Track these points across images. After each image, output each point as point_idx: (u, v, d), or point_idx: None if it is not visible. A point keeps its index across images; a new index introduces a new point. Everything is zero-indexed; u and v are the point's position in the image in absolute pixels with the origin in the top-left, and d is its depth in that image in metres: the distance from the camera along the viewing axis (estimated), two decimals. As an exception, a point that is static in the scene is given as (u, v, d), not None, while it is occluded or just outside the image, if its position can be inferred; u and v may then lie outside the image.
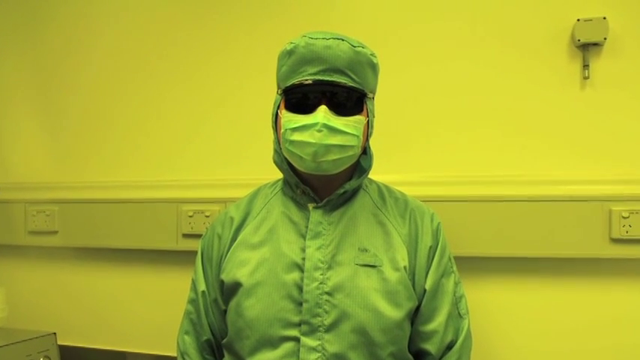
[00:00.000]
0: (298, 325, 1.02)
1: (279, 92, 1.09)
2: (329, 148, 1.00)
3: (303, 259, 1.05)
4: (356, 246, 1.07)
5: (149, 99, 1.80)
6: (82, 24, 1.88)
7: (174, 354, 1.20)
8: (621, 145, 1.40)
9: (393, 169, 1.49)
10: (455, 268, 1.16)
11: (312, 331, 1.01)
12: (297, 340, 1.02)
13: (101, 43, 1.86)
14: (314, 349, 1.00)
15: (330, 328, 1.01)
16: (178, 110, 1.76)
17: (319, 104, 1.01)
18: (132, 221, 1.71)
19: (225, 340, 1.11)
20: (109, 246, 1.76)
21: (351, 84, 1.02)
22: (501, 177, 1.44)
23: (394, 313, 1.03)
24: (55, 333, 1.62)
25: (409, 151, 1.54)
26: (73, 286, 1.83)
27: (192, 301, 1.18)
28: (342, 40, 1.02)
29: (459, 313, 1.12)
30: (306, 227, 1.09)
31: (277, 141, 1.10)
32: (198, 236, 1.42)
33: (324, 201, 1.10)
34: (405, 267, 1.06)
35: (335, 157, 1.02)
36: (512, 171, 1.46)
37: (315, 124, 0.99)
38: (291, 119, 1.03)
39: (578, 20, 1.40)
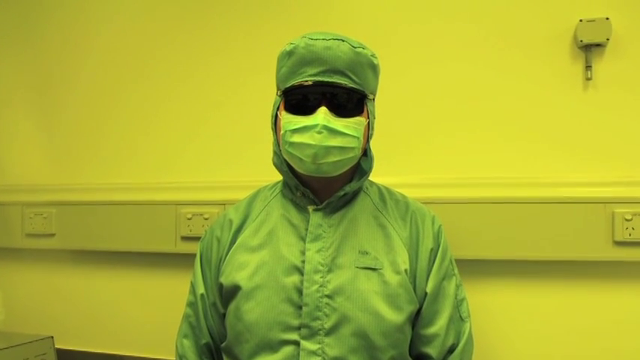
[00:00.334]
0: (298, 328, 1.01)
1: (278, 93, 1.08)
2: (329, 149, 1.00)
3: (303, 261, 1.05)
4: (356, 249, 1.06)
5: (147, 100, 1.79)
6: (79, 24, 1.88)
7: (172, 358, 1.19)
8: (624, 146, 1.40)
9: (393, 171, 1.48)
10: (456, 270, 1.16)
11: (312, 334, 1.01)
12: (297, 343, 1.01)
13: (99, 43, 1.85)
14: (314, 353, 1.00)
15: (330, 332, 1.01)
16: (177, 111, 1.75)
17: (319, 105, 1.00)
18: (130, 224, 1.70)
19: (224, 344, 1.11)
20: (107, 249, 1.75)
21: (351, 85, 1.02)
22: (503, 179, 1.44)
23: (395, 316, 1.02)
24: (52, 336, 1.61)
25: (410, 153, 1.53)
26: (70, 289, 1.82)
27: (191, 305, 1.17)
28: (343, 40, 1.02)
29: (460, 316, 1.12)
30: (306, 230, 1.08)
31: (277, 143, 1.09)
32: (196, 239, 1.41)
33: (324, 203, 1.09)
34: (405, 270, 1.06)
35: (335, 159, 1.01)
36: (514, 173, 1.45)
37: (315, 126, 0.99)
38: (290, 121, 1.02)
39: (581, 21, 1.39)
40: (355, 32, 1.16)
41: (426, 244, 1.11)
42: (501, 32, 1.48)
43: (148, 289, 1.74)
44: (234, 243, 1.13)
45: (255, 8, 1.68)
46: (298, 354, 1.00)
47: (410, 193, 1.22)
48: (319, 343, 1.00)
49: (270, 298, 1.03)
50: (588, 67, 1.40)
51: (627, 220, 1.33)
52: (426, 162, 1.52)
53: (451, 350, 1.09)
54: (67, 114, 1.88)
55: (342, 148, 1.01)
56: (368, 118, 1.06)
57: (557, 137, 1.44)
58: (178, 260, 1.68)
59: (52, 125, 1.89)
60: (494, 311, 1.44)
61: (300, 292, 1.03)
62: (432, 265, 1.10)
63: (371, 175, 1.14)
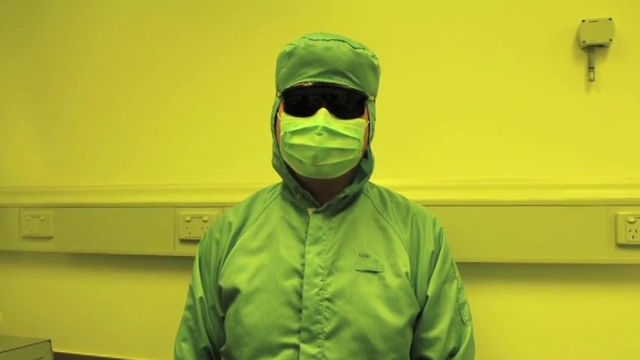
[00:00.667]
0: (298, 332, 1.01)
1: (278, 95, 1.08)
2: (329, 151, 0.99)
3: (303, 264, 1.04)
4: (356, 251, 1.06)
5: (145, 102, 1.79)
6: (77, 25, 1.87)
7: (171, 362, 1.18)
8: (627, 148, 1.39)
9: (394, 173, 1.48)
10: (457, 273, 1.15)
11: (311, 338, 1.00)
12: (296, 347, 1.00)
13: (97, 44, 1.85)
14: (314, 357, 0.99)
15: (330, 335, 1.00)
16: (175, 113, 1.75)
17: (319, 107, 1.00)
18: (128, 226, 1.70)
19: (223, 348, 1.10)
20: (105, 251, 1.74)
21: (351, 86, 1.01)
22: (505, 181, 1.43)
23: (395, 319, 1.01)
24: (49, 340, 1.62)
25: (411, 155, 1.53)
26: (68, 292, 1.82)
27: (190, 308, 1.16)
28: (343, 41, 1.01)
29: (461, 319, 1.11)
30: (306, 232, 1.07)
31: (276, 144, 1.09)
32: (195, 241, 1.42)
33: (324, 205, 1.08)
34: (406, 273, 1.05)
35: (335, 161, 1.00)
36: (516, 175, 1.45)
37: (315, 127, 0.98)
38: (290, 122, 1.02)
39: (584, 21, 1.39)
40: (355, 33, 1.16)
41: (427, 246, 1.10)
42: (503, 33, 1.48)
43: (147, 292, 1.73)
44: (234, 246, 1.12)
45: (255, 8, 1.68)
46: (298, 358, 0.99)
47: (411, 196, 1.21)
48: (319, 347, 0.99)
49: (269, 302, 1.02)
50: (591, 68, 1.39)
51: (630, 222, 1.32)
52: (427, 164, 1.51)
53: (452, 354, 1.08)
54: (64, 116, 1.87)
55: (342, 150, 1.00)
56: (368, 119, 1.05)
57: (559, 139, 1.43)
58: (177, 263, 1.67)
59: (49, 127, 1.89)
60: (495, 314, 1.44)
61: (299, 295, 1.02)
62: (433, 268, 1.09)
63: (371, 177, 1.13)
